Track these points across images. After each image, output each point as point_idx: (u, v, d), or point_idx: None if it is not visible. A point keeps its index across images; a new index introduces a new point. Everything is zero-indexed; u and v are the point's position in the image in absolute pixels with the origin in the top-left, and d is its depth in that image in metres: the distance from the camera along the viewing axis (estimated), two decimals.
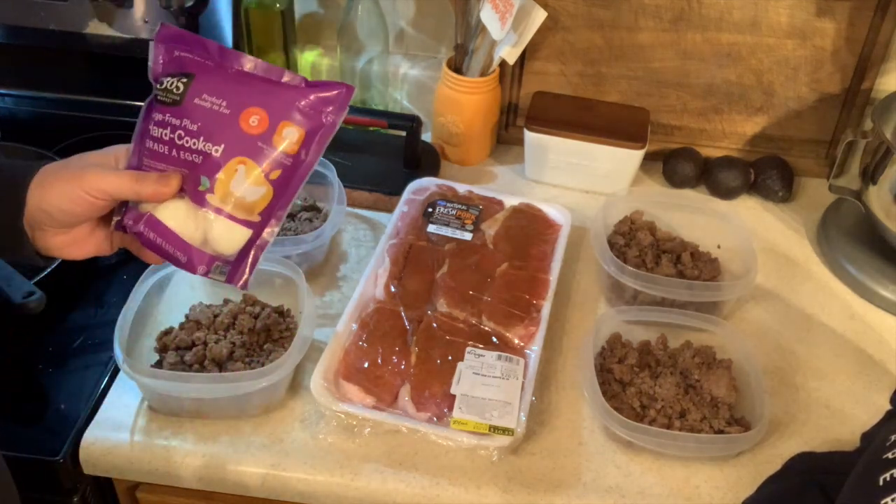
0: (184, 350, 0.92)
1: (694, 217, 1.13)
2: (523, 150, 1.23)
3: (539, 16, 1.16)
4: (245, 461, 0.86)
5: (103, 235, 0.73)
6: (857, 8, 1.15)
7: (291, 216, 1.11)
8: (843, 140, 1.10)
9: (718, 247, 1.10)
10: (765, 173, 1.23)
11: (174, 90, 0.69)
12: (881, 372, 1.01)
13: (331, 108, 0.70)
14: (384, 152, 1.24)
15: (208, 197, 0.68)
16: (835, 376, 1.00)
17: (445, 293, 0.98)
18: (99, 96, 1.36)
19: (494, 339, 0.94)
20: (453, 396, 0.88)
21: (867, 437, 0.76)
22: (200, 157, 0.68)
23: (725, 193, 1.24)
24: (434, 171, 1.22)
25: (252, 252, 0.70)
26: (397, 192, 1.14)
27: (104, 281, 1.06)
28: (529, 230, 1.08)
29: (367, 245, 1.12)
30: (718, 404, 0.92)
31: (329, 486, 0.86)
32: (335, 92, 0.70)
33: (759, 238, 1.18)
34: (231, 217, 0.69)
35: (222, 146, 0.68)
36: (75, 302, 1.02)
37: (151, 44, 0.71)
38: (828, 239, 1.17)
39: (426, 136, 1.26)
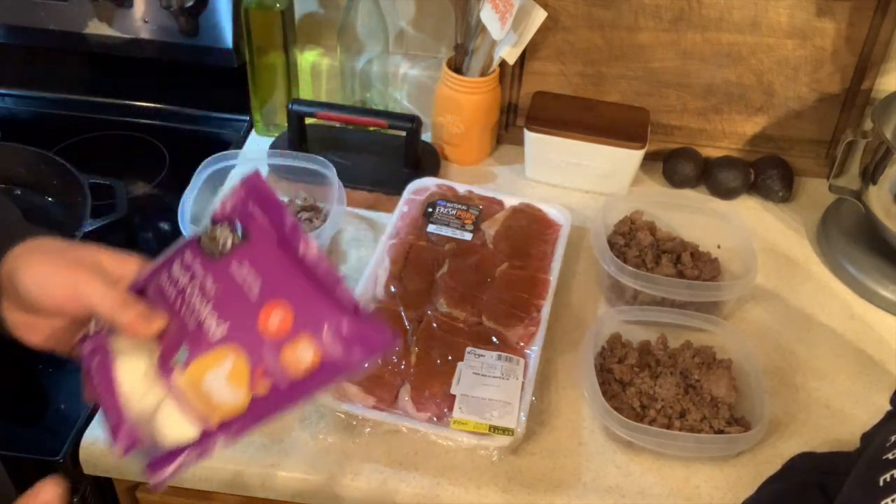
0: None
1: (694, 217, 1.13)
2: (523, 150, 1.23)
3: (539, 16, 1.16)
4: (244, 461, 0.86)
5: (65, 335, 0.65)
6: (857, 8, 1.14)
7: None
8: (843, 140, 1.10)
9: (718, 247, 1.10)
10: (765, 173, 1.23)
11: (220, 244, 0.61)
12: (881, 372, 1.01)
13: (362, 350, 0.56)
14: (384, 152, 1.24)
15: (175, 374, 0.58)
16: (835, 376, 1.00)
17: (445, 293, 0.98)
18: (99, 96, 1.36)
19: (494, 339, 0.94)
20: (453, 396, 0.88)
21: (867, 437, 0.76)
22: (195, 325, 0.59)
23: (725, 193, 1.24)
24: (434, 171, 1.22)
25: (184, 455, 0.58)
26: (397, 192, 1.14)
27: None
28: (529, 230, 1.08)
29: (367, 245, 1.12)
30: (718, 404, 0.92)
31: (329, 486, 0.86)
32: (377, 336, 0.57)
33: (759, 238, 1.18)
34: (187, 408, 0.58)
35: (226, 324, 0.58)
36: None
37: (236, 186, 0.63)
38: (828, 239, 1.17)
39: (426, 136, 1.26)
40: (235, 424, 0.57)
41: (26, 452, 0.85)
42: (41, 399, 0.93)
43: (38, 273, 0.61)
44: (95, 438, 0.87)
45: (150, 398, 0.59)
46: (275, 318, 0.57)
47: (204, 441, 0.58)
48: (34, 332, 0.65)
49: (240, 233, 0.61)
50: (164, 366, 0.59)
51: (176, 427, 0.58)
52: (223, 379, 0.57)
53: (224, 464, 0.86)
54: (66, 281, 0.61)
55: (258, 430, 0.61)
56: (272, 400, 0.57)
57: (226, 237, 0.61)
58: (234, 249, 0.60)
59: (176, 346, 0.59)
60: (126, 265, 0.64)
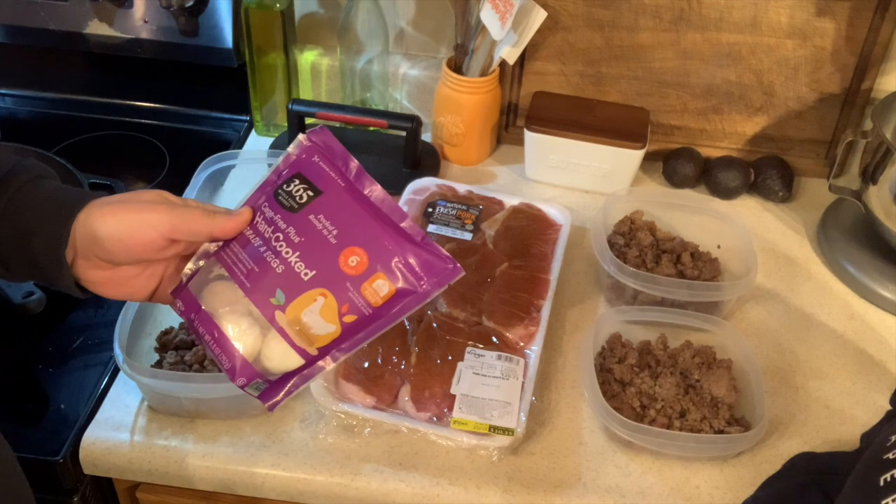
0: (184, 350, 0.92)
1: (694, 217, 1.13)
2: (523, 150, 1.23)
3: (539, 16, 1.16)
4: (245, 461, 0.86)
5: (148, 281, 0.69)
6: (857, 8, 1.15)
7: None
8: (843, 140, 1.10)
9: (718, 247, 1.10)
10: (765, 173, 1.23)
11: (297, 198, 0.68)
12: (881, 372, 1.01)
13: (431, 279, 0.66)
14: (384, 152, 1.24)
15: (277, 313, 0.66)
16: (835, 376, 1.00)
17: (445, 293, 0.98)
18: (99, 96, 1.36)
19: (494, 339, 0.94)
20: (453, 396, 0.88)
21: (867, 437, 0.76)
22: (284, 269, 0.66)
23: (725, 193, 1.24)
24: (434, 171, 1.22)
25: (294, 380, 0.67)
26: (397, 192, 1.14)
27: None
28: (529, 230, 1.08)
29: None
30: (718, 404, 0.92)
31: (329, 486, 0.86)
32: (442, 265, 0.66)
33: (759, 238, 1.18)
34: (291, 342, 0.66)
35: (313, 272, 0.66)
36: (75, 302, 1.02)
37: (301, 135, 0.70)
38: (828, 239, 1.17)
39: (426, 136, 1.26)
40: (333, 348, 0.67)
41: (26, 452, 0.85)
42: (41, 399, 0.93)
43: (116, 221, 0.64)
44: (95, 438, 0.87)
45: (257, 340, 0.66)
46: (353, 261, 0.66)
47: (308, 366, 0.67)
48: (117, 287, 0.68)
49: (313, 188, 0.68)
50: (266, 309, 0.66)
51: (283, 358, 0.66)
52: (316, 315, 0.66)
53: (224, 464, 0.86)
54: (142, 220, 0.64)
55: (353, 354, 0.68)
56: (360, 325, 0.66)
57: (302, 193, 0.68)
58: (309, 202, 0.67)
59: (272, 291, 0.66)
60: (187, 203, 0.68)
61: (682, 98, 1.25)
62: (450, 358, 0.91)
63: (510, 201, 1.13)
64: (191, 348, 0.91)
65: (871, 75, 1.19)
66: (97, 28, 1.26)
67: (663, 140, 1.28)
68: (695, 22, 1.18)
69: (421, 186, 1.14)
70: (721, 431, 0.89)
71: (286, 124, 1.22)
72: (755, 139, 1.27)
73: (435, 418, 0.87)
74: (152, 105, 1.35)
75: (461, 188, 1.14)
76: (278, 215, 0.68)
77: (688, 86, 1.24)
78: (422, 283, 0.66)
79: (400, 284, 0.66)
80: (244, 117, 1.32)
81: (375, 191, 0.68)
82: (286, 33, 1.22)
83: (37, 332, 0.98)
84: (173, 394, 0.87)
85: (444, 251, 0.67)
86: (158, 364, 0.91)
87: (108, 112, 1.34)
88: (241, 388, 0.67)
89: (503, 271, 1.02)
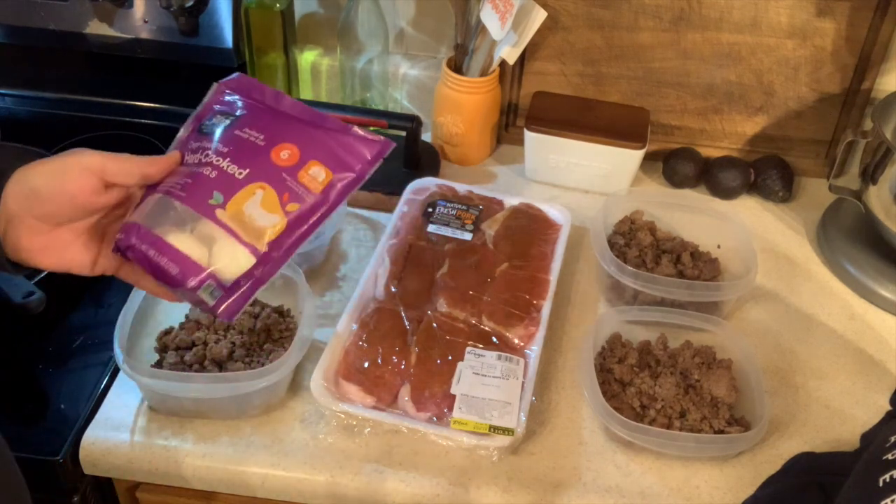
0: (184, 350, 0.92)
1: (694, 217, 1.13)
2: (523, 150, 1.23)
3: (539, 16, 1.16)
4: (245, 461, 0.86)
5: (86, 247, 0.69)
6: (857, 8, 1.15)
7: None
8: (843, 140, 1.10)
9: (718, 247, 1.10)
10: (765, 173, 1.23)
11: (220, 124, 0.70)
12: (881, 372, 1.01)
13: (365, 159, 0.70)
14: None
15: (218, 212, 0.66)
16: (835, 376, 1.00)
17: (445, 293, 0.98)
18: (99, 96, 1.36)
19: (494, 339, 0.94)
20: (453, 396, 0.88)
21: (867, 437, 0.76)
22: (216, 174, 0.68)
23: (725, 193, 1.24)
24: (434, 171, 1.22)
25: (248, 284, 0.67)
26: (397, 192, 1.14)
27: (104, 281, 1.04)
28: (529, 230, 1.08)
29: (367, 245, 1.12)
30: (718, 404, 0.92)
31: (329, 486, 0.86)
32: (373, 144, 0.70)
33: (759, 238, 1.18)
34: (238, 238, 0.66)
35: (247, 171, 0.67)
36: (75, 302, 1.02)
37: (214, 85, 0.74)
38: (828, 239, 1.17)
39: (426, 136, 1.26)
40: (283, 243, 0.67)
41: (26, 452, 0.85)
42: (41, 399, 0.93)
43: (48, 170, 0.65)
44: (95, 438, 0.87)
45: (203, 241, 0.66)
46: (284, 154, 0.68)
47: (259, 266, 0.67)
48: (54, 254, 0.67)
49: (231, 115, 0.71)
50: (206, 210, 0.66)
51: (234, 258, 0.66)
52: (258, 207, 0.67)
53: (224, 464, 0.86)
54: (74, 164, 0.65)
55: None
56: (305, 215, 0.68)
57: (222, 119, 0.71)
58: (232, 123, 0.70)
59: (208, 194, 0.67)
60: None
61: (682, 98, 1.25)
62: (450, 358, 0.91)
63: (510, 201, 1.13)
64: (191, 348, 0.91)
65: (871, 75, 1.19)
66: (97, 28, 1.26)
67: (663, 140, 1.28)
68: (695, 22, 1.18)
69: (421, 186, 1.14)
70: (721, 431, 0.89)
71: None
72: (755, 139, 1.27)
73: (435, 418, 0.87)
74: (152, 105, 1.35)
75: (461, 188, 1.14)
76: (203, 141, 0.70)
77: (688, 86, 1.24)
78: (356, 164, 0.69)
79: (335, 168, 0.68)
80: None
81: (297, 105, 0.72)
82: (286, 33, 1.22)
83: (37, 332, 0.98)
84: (173, 394, 0.87)
85: (372, 134, 0.70)
86: (158, 364, 0.91)
87: (108, 112, 1.34)
88: (195, 290, 0.66)
89: (503, 271, 1.02)
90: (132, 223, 0.68)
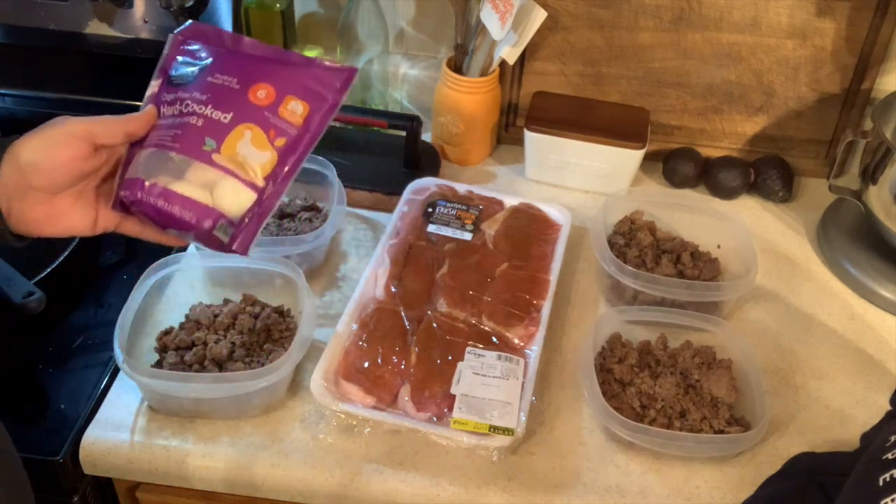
0: (184, 350, 0.92)
1: (694, 217, 1.13)
2: (523, 150, 1.23)
3: (539, 16, 1.16)
4: (245, 461, 0.86)
5: (85, 210, 0.72)
6: (857, 8, 1.15)
7: (291, 216, 1.11)
8: (843, 140, 1.10)
9: (718, 247, 1.10)
10: (765, 173, 1.23)
11: (189, 74, 0.74)
12: (881, 372, 1.01)
13: (335, 88, 0.75)
14: (384, 152, 1.24)
15: (214, 156, 0.71)
16: (835, 376, 1.00)
17: (445, 293, 0.98)
18: (99, 96, 1.36)
19: (494, 339, 0.94)
20: (453, 396, 0.88)
21: (867, 437, 0.76)
22: (203, 121, 0.72)
23: (725, 193, 1.24)
24: (434, 171, 1.21)
25: (254, 218, 0.72)
26: (397, 192, 1.14)
27: (104, 281, 1.06)
28: (529, 230, 1.08)
29: (367, 245, 1.12)
30: (718, 404, 0.92)
31: (329, 486, 0.86)
32: (339, 73, 0.76)
33: (759, 238, 1.18)
34: (237, 177, 0.71)
35: (231, 114, 0.72)
36: (75, 302, 1.02)
37: (171, 36, 0.78)
38: (828, 239, 1.17)
39: (426, 136, 1.26)
40: (278, 175, 0.73)
41: (26, 452, 0.85)
42: (41, 399, 0.93)
43: (40, 142, 0.67)
44: (95, 438, 0.87)
45: (206, 185, 0.71)
46: (261, 94, 0.74)
47: (261, 199, 0.72)
48: (58, 221, 0.71)
49: (198, 62, 0.75)
50: (202, 156, 0.71)
51: (237, 196, 0.72)
52: (249, 146, 0.72)
53: (224, 464, 0.86)
54: (64, 129, 0.68)
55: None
56: (293, 146, 0.73)
57: (188, 69, 0.75)
58: (200, 71, 0.75)
59: (201, 141, 0.72)
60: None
61: (681, 98, 1.25)
62: (450, 358, 0.91)
63: (510, 201, 1.13)
64: (191, 348, 0.91)
65: (871, 75, 1.19)
66: (97, 28, 1.26)
67: (663, 140, 1.28)
68: (695, 22, 1.18)
69: (421, 186, 1.14)
70: (721, 431, 0.89)
71: None
72: (755, 139, 1.27)
73: (435, 418, 0.87)
74: None
75: (461, 188, 1.14)
76: (178, 92, 0.74)
77: (688, 86, 1.24)
78: (328, 93, 0.75)
79: (310, 100, 0.74)
80: None
81: (257, 45, 0.77)
82: (286, 33, 1.22)
83: (37, 332, 0.98)
84: (173, 394, 0.87)
85: (336, 63, 0.76)
86: (158, 364, 0.91)
87: (108, 112, 1.33)
88: (210, 230, 0.71)
89: (503, 271, 1.02)
90: (134, 178, 0.72)
